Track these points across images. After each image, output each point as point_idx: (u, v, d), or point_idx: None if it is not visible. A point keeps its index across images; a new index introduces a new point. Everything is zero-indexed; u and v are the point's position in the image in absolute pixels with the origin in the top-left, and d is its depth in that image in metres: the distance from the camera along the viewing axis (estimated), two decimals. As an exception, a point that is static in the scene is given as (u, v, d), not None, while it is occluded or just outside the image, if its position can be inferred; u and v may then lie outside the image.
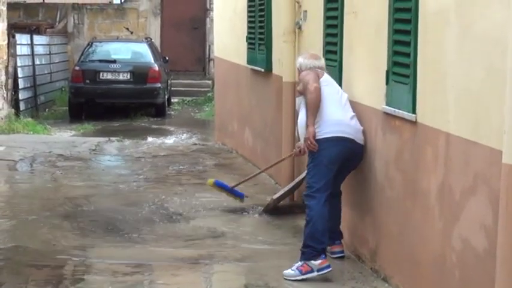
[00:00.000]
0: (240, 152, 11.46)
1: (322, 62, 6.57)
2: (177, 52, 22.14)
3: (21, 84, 16.88)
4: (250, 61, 10.54)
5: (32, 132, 14.53)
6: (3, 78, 15.56)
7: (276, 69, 9.33)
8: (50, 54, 20.02)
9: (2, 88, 15.42)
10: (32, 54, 18.12)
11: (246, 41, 10.63)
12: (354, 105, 6.44)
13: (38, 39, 19.17)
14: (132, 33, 22.88)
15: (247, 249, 6.91)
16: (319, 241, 6.06)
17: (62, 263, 6.49)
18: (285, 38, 8.44)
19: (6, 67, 15.74)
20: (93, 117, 17.43)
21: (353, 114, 6.34)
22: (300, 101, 6.40)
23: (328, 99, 6.22)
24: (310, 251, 6.04)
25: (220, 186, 8.38)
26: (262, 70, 9.86)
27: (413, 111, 5.42)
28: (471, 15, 4.63)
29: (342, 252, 6.59)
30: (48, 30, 21.82)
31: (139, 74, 17.76)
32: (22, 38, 17.54)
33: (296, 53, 8.28)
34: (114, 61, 17.95)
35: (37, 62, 18.45)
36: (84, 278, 6.09)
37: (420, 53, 5.35)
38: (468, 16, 4.67)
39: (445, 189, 4.96)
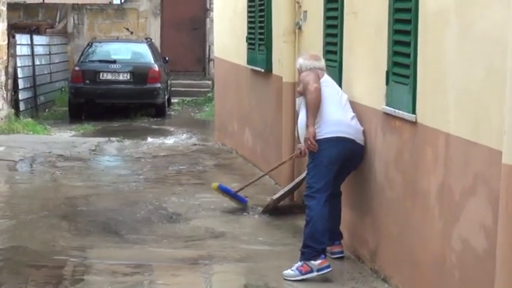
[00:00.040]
0: (240, 152, 11.46)
1: (322, 63, 6.57)
2: (177, 52, 22.13)
3: (21, 84, 16.88)
4: (250, 61, 10.54)
5: (31, 133, 14.53)
6: (3, 78, 15.56)
7: (276, 70, 9.33)
8: (49, 54, 20.01)
9: (1, 88, 15.42)
10: (32, 55, 18.12)
11: (246, 41, 10.63)
12: (353, 105, 6.44)
13: (37, 39, 19.17)
14: (132, 33, 22.87)
15: (247, 249, 6.91)
16: (319, 241, 6.05)
17: (61, 264, 6.49)
18: (285, 38, 8.44)
19: (6, 67, 15.74)
20: (93, 117, 17.43)
21: (353, 114, 6.35)
22: (300, 101, 6.40)
23: (328, 99, 6.23)
24: (310, 251, 6.04)
25: (224, 191, 8.36)
26: (262, 70, 9.86)
27: (413, 111, 5.41)
28: (471, 15, 4.63)
29: (342, 252, 6.59)
30: (48, 30, 21.82)
31: (139, 74, 17.76)
32: (22, 38, 17.54)
33: (296, 53, 8.28)
34: (114, 61, 17.94)
35: (37, 62, 18.44)
36: (84, 278, 6.09)
37: (420, 54, 5.35)
38: (468, 16, 4.66)
39: (445, 190, 4.96)
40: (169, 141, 14.03)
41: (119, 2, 22.96)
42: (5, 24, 15.56)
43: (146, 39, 20.07)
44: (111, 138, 13.65)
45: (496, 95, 4.24)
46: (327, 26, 7.38)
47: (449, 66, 4.91)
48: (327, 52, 7.33)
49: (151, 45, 19.07)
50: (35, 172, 10.47)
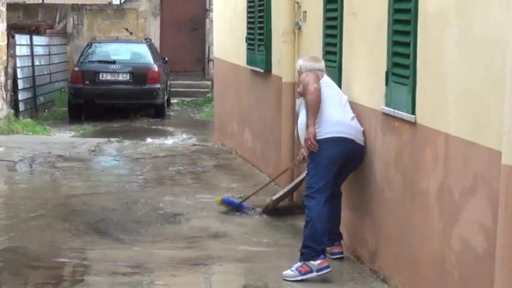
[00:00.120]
0: (240, 152, 11.46)
1: (322, 64, 6.57)
2: (176, 53, 22.14)
3: (20, 85, 16.88)
4: (249, 62, 10.54)
5: (31, 133, 14.53)
6: (3, 78, 15.57)
7: (275, 70, 9.33)
8: (49, 54, 20.02)
9: (1, 89, 15.43)
10: (32, 55, 18.12)
11: (246, 41, 10.63)
12: (353, 106, 6.44)
13: (37, 39, 19.18)
14: (131, 33, 22.87)
15: (247, 250, 6.91)
16: (319, 242, 6.05)
17: (61, 264, 6.49)
18: (285, 38, 8.44)
19: (6, 68, 15.74)
20: (93, 118, 17.42)
21: (353, 115, 6.35)
22: (300, 102, 6.41)
23: (328, 100, 6.23)
24: (309, 252, 6.04)
25: (228, 203, 8.31)
26: (262, 71, 9.86)
27: (413, 112, 5.41)
28: (471, 15, 4.63)
29: (342, 253, 6.59)
30: (47, 30, 21.83)
31: (139, 74, 17.76)
32: (21, 39, 17.54)
33: (296, 53, 8.29)
34: (113, 62, 17.94)
35: (36, 62, 18.44)
36: (84, 278, 6.09)
37: (420, 54, 5.35)
38: (468, 17, 4.66)
39: (445, 190, 4.96)
40: (169, 141, 14.03)
41: (118, 3, 22.96)
42: (5, 24, 15.56)
43: (146, 39, 20.07)
44: (111, 139, 13.64)
45: (495, 95, 4.24)
46: (327, 27, 7.38)
47: (449, 67, 4.91)
48: (326, 52, 7.33)
49: (150, 46, 19.07)
50: (34, 172, 10.46)
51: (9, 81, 15.99)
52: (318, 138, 6.12)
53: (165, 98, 18.61)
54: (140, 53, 18.52)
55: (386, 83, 5.87)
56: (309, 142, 6.12)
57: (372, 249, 6.26)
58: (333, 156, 6.15)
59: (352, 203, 6.64)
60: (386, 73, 5.85)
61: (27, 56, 17.83)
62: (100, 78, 17.73)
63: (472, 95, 4.59)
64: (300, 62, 6.55)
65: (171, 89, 20.16)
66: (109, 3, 22.89)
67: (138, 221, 7.83)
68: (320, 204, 6.08)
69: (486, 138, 4.41)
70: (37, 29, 21.17)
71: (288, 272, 6.07)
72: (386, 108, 5.88)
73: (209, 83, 21.57)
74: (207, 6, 22.72)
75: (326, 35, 7.40)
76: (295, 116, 7.39)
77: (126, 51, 18.78)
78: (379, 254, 6.13)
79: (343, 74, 6.92)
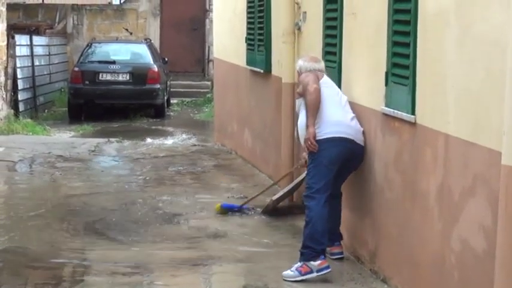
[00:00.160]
0: (240, 152, 11.46)
1: (322, 64, 6.57)
2: (176, 53, 22.14)
3: (20, 85, 16.88)
4: (249, 62, 10.54)
5: (31, 133, 14.53)
6: (3, 79, 15.57)
7: (275, 70, 9.33)
8: (49, 55, 20.02)
9: (1, 89, 15.43)
10: (32, 55, 18.12)
11: (246, 42, 10.63)
12: (353, 106, 6.44)
13: (37, 40, 19.18)
14: (131, 34, 22.86)
15: (247, 250, 6.91)
16: (319, 242, 6.05)
17: (61, 264, 6.49)
18: (285, 39, 8.44)
19: (6, 68, 15.74)
20: (93, 118, 17.42)
21: (353, 115, 6.35)
22: (299, 103, 6.41)
23: (328, 100, 6.23)
24: (309, 252, 6.04)
25: (228, 208, 8.23)
26: (262, 71, 9.86)
27: (413, 112, 5.41)
28: (471, 16, 4.63)
29: (342, 253, 6.59)
30: (47, 31, 21.82)
31: (139, 75, 17.76)
32: (21, 39, 17.54)
33: (295, 54, 8.29)
34: (113, 62, 17.94)
35: (36, 62, 18.44)
36: (84, 279, 6.09)
37: (420, 54, 5.35)
38: (468, 17, 4.66)
39: (444, 191, 4.96)
40: (169, 141, 14.03)
41: (118, 3, 22.96)
42: (5, 24, 15.56)
43: (145, 39, 20.07)
44: (111, 139, 13.64)
45: (495, 95, 4.24)
46: (327, 27, 7.38)
47: (448, 67, 4.91)
48: (326, 53, 7.33)
49: (150, 46, 19.07)
50: (34, 173, 10.47)
51: (9, 82, 15.99)
52: (317, 138, 6.12)
53: (165, 98, 18.61)
54: (140, 53, 18.53)
55: (386, 84, 5.87)
56: (309, 142, 6.12)
57: (371, 249, 6.26)
58: (333, 156, 6.15)
59: (352, 203, 6.64)
60: (386, 73, 5.85)
61: (27, 56, 17.83)
62: (100, 78, 17.73)
63: (472, 96, 4.59)
64: (300, 63, 6.55)
65: (171, 89, 20.16)
66: (109, 3, 22.89)
67: (137, 221, 7.83)
68: (320, 205, 6.08)
69: (486, 139, 4.41)
70: (37, 29, 21.16)
71: (288, 272, 6.07)
72: (386, 108, 5.88)
73: (209, 83, 21.56)
74: (207, 7, 22.71)
75: (326, 36, 7.40)
76: (295, 117, 7.39)
77: (126, 51, 18.79)
78: (379, 254, 6.13)
79: (343, 75, 6.92)
